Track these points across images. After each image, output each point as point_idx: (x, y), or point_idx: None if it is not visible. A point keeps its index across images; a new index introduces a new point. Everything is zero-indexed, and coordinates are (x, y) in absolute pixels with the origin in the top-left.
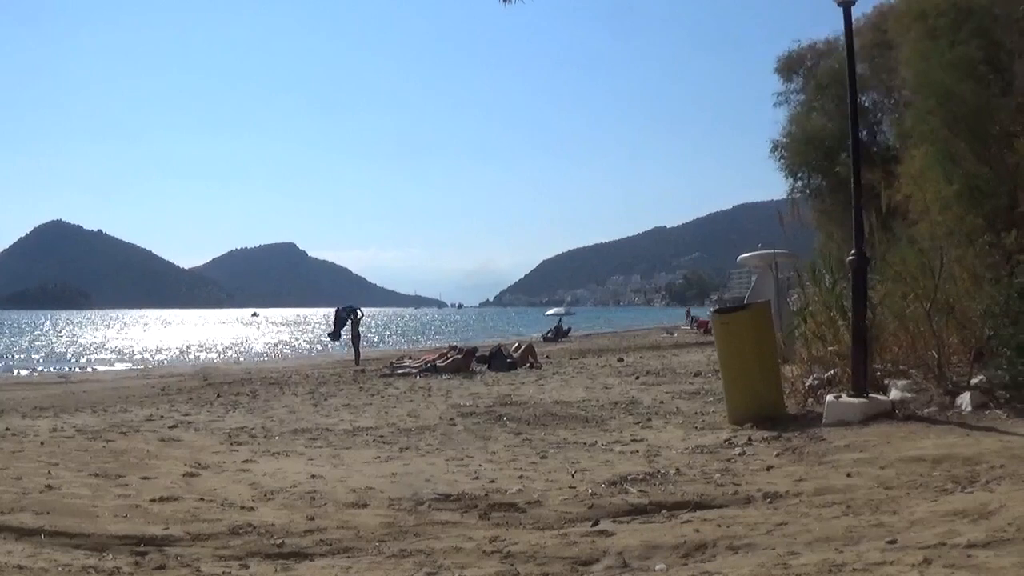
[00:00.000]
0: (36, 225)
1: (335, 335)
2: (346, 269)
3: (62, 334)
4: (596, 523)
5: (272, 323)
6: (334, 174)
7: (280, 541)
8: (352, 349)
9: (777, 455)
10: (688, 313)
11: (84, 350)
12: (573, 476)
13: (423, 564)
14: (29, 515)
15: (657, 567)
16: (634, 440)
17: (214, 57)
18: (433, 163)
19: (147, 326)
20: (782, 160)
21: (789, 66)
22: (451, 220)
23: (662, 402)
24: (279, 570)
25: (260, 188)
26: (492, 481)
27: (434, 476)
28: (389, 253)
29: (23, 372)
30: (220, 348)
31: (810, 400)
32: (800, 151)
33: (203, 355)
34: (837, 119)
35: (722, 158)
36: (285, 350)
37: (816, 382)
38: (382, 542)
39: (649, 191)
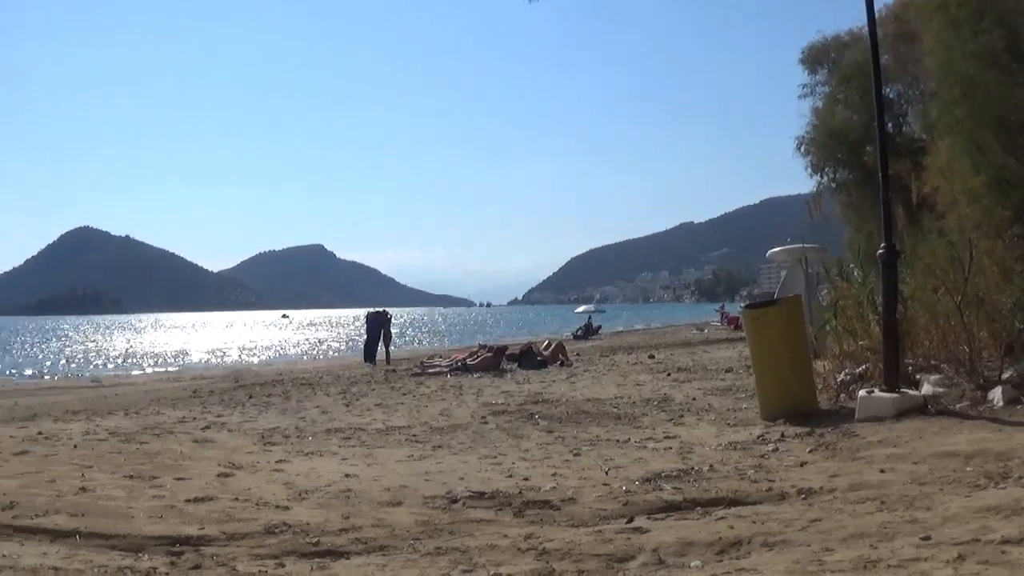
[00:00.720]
0: (63, 232)
1: (370, 354)
2: (374, 269)
3: (93, 339)
4: (631, 520)
5: (302, 325)
6: (361, 175)
7: (316, 540)
8: (383, 350)
9: (810, 451)
10: (721, 308)
11: (115, 354)
12: (607, 473)
13: (458, 562)
14: (64, 517)
15: (692, 564)
16: (667, 437)
17: (239, 61)
18: (459, 162)
19: (177, 329)
20: (808, 155)
21: (814, 58)
22: (478, 219)
23: (694, 399)
24: (315, 569)
25: (288, 190)
26: (526, 479)
27: (468, 474)
28: (417, 253)
29: (55, 377)
30: (251, 350)
31: (842, 395)
32: (825, 145)
33: (234, 357)
34: (862, 111)
35: (749, 152)
36: (316, 351)
37: (848, 377)
38: (417, 540)
39: (676, 187)
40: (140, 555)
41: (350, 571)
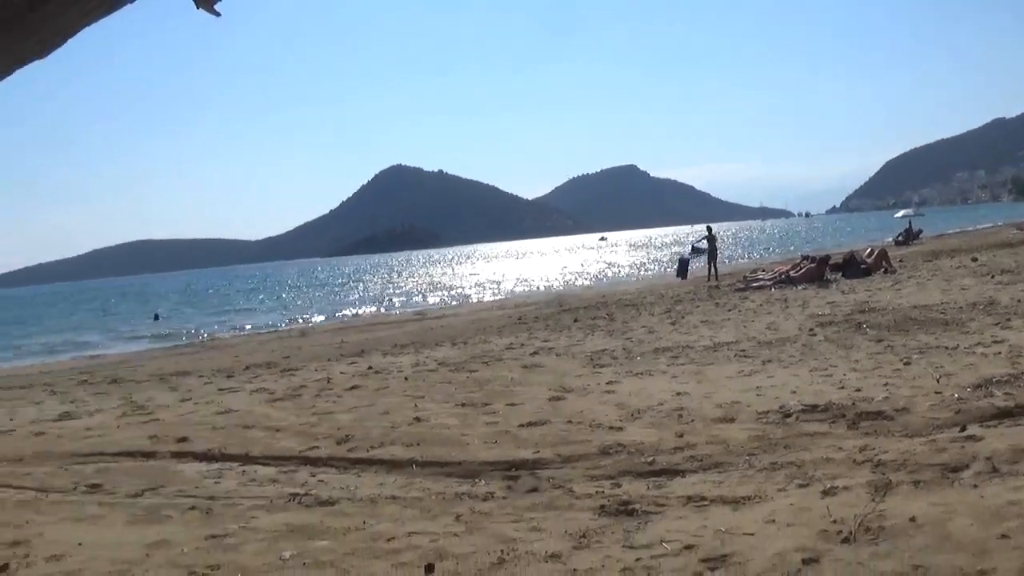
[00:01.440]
0: (377, 172)
1: (683, 270)
2: (689, 186)
3: (414, 274)
4: (963, 428)
5: (620, 246)
6: (668, 91)
7: (651, 459)
8: (709, 267)
9: None
10: None
11: (437, 287)
12: (938, 381)
13: (794, 476)
14: (399, 448)
15: None
16: (995, 341)
17: None
18: (764, 71)
19: (496, 259)
20: None
21: None
22: (791, 127)
23: (1019, 300)
24: (651, 488)
25: (597, 113)
26: (857, 390)
27: (799, 387)
28: (730, 166)
29: (381, 311)
30: (572, 274)
31: None
32: None
33: (556, 282)
34: None
35: None
36: (637, 271)
37: None
38: (752, 456)
39: (983, 81)
40: (476, 481)
41: (686, 488)
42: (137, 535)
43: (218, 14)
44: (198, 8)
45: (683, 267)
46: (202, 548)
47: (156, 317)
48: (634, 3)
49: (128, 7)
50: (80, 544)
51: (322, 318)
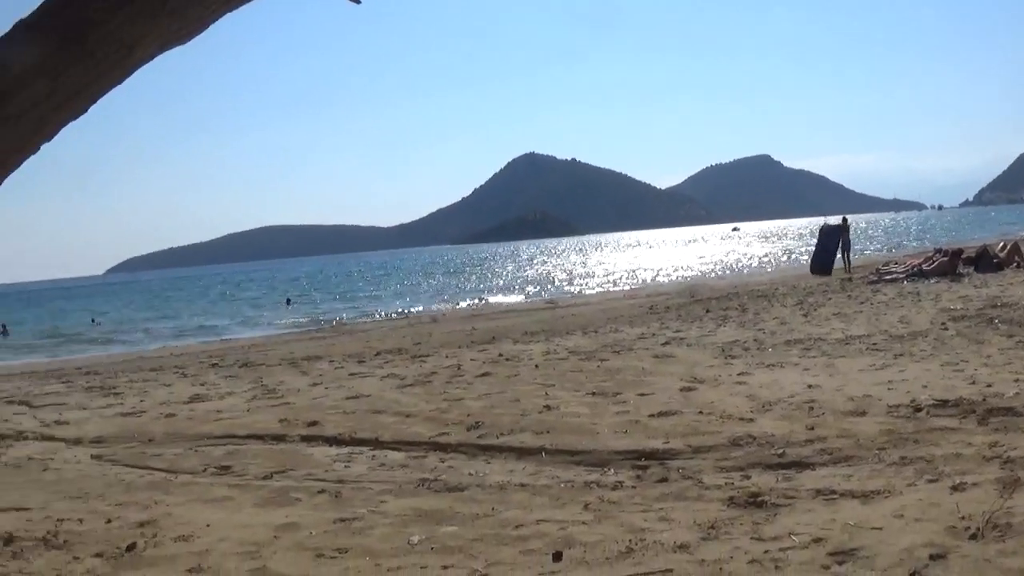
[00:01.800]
0: (510, 159)
1: (822, 265)
2: (822, 177)
3: (545, 262)
4: None
5: (753, 237)
6: (803, 81)
7: (781, 451)
8: (842, 258)
9: None
10: None
11: (568, 275)
12: None
13: (924, 471)
14: (529, 435)
15: None
16: None
17: None
18: (896, 62)
19: (628, 247)
20: None
21: None
22: (926, 119)
23: None
24: (780, 480)
25: (731, 102)
26: (989, 385)
27: (930, 382)
28: (864, 157)
29: (511, 299)
30: (704, 264)
31: None
32: None
33: (688, 272)
34: None
35: None
36: (769, 262)
37: None
38: (882, 450)
39: None
40: (606, 470)
41: (815, 482)
42: (265, 517)
43: (358, 1)
44: None
45: (821, 260)
46: (330, 531)
47: (288, 302)
48: None
49: None
50: (208, 525)
51: (452, 305)
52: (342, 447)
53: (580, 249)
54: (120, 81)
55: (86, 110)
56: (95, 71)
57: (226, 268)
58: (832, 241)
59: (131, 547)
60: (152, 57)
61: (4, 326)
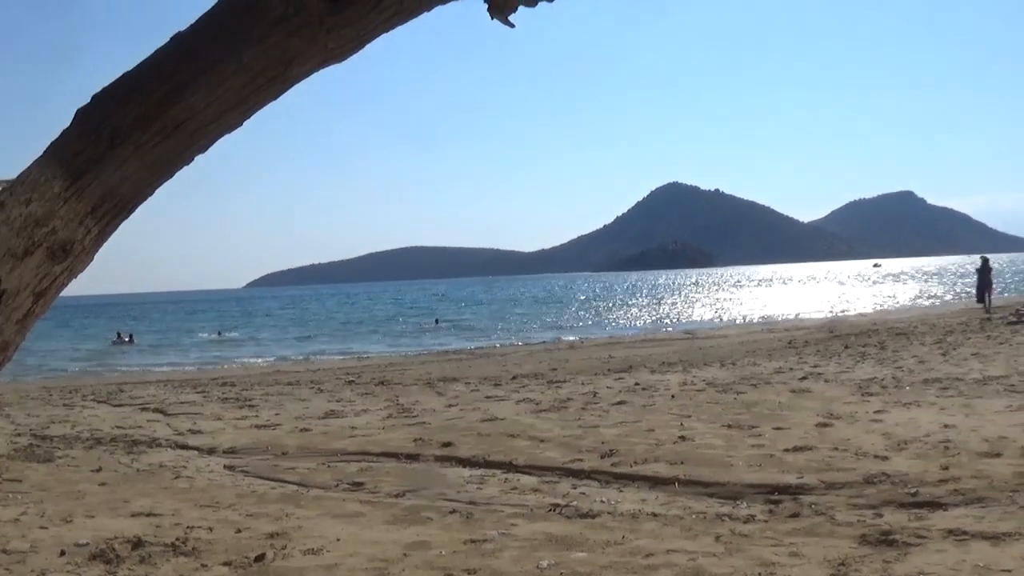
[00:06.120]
0: (653, 188)
1: (981, 296)
2: (965, 215)
3: (684, 293)
4: None
5: (894, 274)
6: (949, 118)
7: (914, 490)
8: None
9: None
10: None
11: (708, 307)
12: None
13: None
14: (663, 465)
15: None
16: None
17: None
18: None
19: (769, 282)
20: None
21: None
22: None
23: None
24: (912, 519)
25: (876, 138)
26: None
27: None
28: (1011, 195)
29: (649, 329)
30: (844, 300)
31: None
32: None
33: (828, 308)
34: None
35: None
36: (910, 300)
37: None
38: (1015, 492)
39: None
40: (738, 502)
41: (948, 522)
42: (396, 535)
43: (512, 25)
44: (492, 19)
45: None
46: (460, 552)
47: (436, 322)
48: (918, 25)
49: (423, 15)
50: (338, 540)
51: (591, 333)
52: (475, 469)
53: (721, 281)
54: (276, 96)
55: (241, 124)
56: (251, 86)
57: (371, 286)
58: (982, 274)
59: (260, 557)
60: (309, 74)
61: (131, 336)
